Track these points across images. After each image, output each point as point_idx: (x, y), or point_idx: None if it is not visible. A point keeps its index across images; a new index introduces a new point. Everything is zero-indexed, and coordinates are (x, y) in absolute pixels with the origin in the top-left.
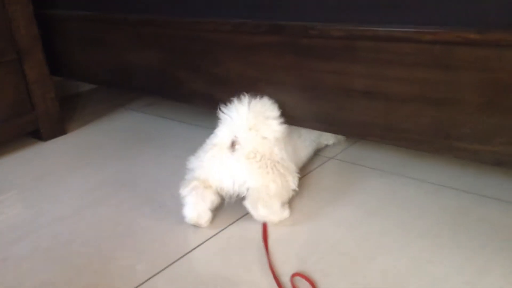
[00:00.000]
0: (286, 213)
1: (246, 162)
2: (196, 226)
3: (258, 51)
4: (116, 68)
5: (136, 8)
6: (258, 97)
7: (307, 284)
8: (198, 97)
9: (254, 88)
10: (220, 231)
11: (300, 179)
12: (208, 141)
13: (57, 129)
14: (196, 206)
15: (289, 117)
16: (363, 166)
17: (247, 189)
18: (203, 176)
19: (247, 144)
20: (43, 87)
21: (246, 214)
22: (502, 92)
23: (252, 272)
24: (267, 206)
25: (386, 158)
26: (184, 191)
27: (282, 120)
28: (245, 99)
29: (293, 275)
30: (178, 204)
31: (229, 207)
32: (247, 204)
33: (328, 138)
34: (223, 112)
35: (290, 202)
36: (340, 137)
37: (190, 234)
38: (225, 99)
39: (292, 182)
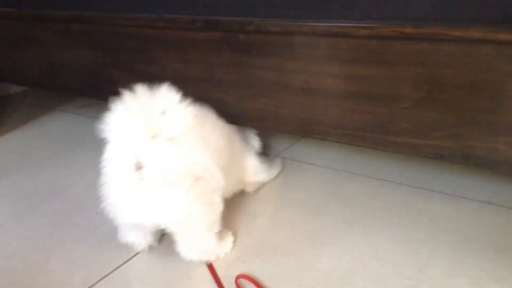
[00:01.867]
0: (227, 244)
1: (158, 190)
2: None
3: (195, 48)
4: (46, 68)
5: (65, 4)
6: (151, 88)
7: (252, 286)
8: None
9: (192, 87)
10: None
11: None
12: (103, 172)
13: None
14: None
15: (231, 117)
16: (308, 163)
17: (165, 223)
18: (122, 218)
19: (156, 164)
20: None
21: None
22: (438, 86)
23: (192, 279)
24: (200, 242)
25: (330, 155)
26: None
27: (192, 107)
28: (131, 97)
29: (238, 277)
30: None
31: None
32: (177, 248)
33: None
34: (106, 124)
35: (232, 200)
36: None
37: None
38: None
39: (219, 204)
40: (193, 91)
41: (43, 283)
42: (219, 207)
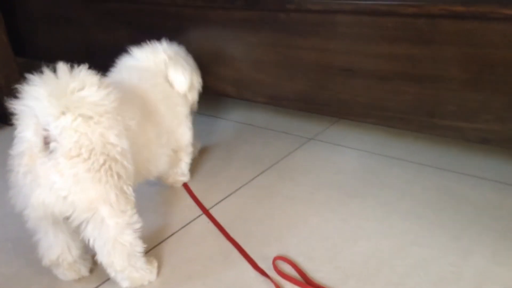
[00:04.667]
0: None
1: (67, 164)
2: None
3: (233, 27)
4: (83, 47)
5: None
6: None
7: (289, 267)
8: None
9: (230, 67)
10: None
11: (277, 162)
12: (12, 153)
13: None
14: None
15: (268, 97)
16: (343, 146)
17: (74, 210)
18: (28, 210)
19: (66, 136)
20: (6, 68)
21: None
22: (488, 67)
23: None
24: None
25: (366, 137)
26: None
27: (108, 85)
28: (43, 75)
29: (275, 258)
30: None
31: (173, 215)
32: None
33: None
34: (17, 102)
35: (270, 182)
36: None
37: (166, 220)
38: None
39: (130, 195)
40: (230, 70)
41: None
42: (131, 198)
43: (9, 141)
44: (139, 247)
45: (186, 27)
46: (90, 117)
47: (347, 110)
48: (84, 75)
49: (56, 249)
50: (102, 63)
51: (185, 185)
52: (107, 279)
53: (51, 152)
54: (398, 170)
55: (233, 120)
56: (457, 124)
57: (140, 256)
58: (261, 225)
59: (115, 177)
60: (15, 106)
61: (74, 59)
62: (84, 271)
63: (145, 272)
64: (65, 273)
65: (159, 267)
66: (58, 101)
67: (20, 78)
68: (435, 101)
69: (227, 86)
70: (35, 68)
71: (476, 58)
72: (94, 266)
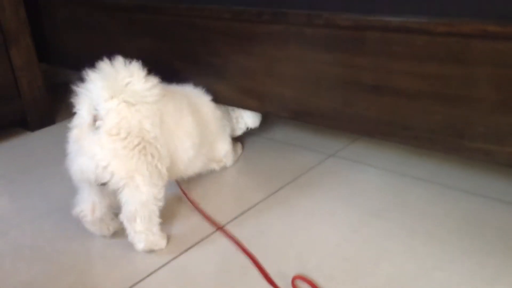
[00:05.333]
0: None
1: (108, 140)
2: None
3: (259, 41)
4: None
5: None
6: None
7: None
8: None
9: (253, 80)
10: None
11: (296, 178)
12: (69, 126)
13: (45, 119)
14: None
15: (291, 112)
16: (365, 164)
17: (111, 176)
18: (73, 174)
19: (110, 117)
20: (30, 74)
21: (204, 239)
22: None
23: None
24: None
25: (388, 156)
26: (75, 214)
27: (155, 81)
28: (101, 64)
29: (295, 278)
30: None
31: (186, 230)
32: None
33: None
34: (78, 86)
35: (289, 198)
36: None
37: (182, 236)
38: (222, 91)
39: (164, 173)
40: (254, 84)
41: (99, 269)
42: (164, 176)
43: (31, 147)
44: (158, 217)
45: (211, 39)
46: (133, 104)
47: (372, 128)
48: (134, 67)
49: (82, 204)
50: None
51: (194, 203)
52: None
53: (96, 128)
54: (421, 191)
55: (252, 134)
56: (487, 147)
57: (157, 224)
58: (280, 242)
59: (149, 156)
60: (78, 88)
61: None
62: (105, 231)
63: (159, 237)
64: (87, 227)
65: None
66: (109, 86)
67: (43, 85)
68: (465, 122)
69: (250, 99)
70: (59, 74)
71: (509, 79)
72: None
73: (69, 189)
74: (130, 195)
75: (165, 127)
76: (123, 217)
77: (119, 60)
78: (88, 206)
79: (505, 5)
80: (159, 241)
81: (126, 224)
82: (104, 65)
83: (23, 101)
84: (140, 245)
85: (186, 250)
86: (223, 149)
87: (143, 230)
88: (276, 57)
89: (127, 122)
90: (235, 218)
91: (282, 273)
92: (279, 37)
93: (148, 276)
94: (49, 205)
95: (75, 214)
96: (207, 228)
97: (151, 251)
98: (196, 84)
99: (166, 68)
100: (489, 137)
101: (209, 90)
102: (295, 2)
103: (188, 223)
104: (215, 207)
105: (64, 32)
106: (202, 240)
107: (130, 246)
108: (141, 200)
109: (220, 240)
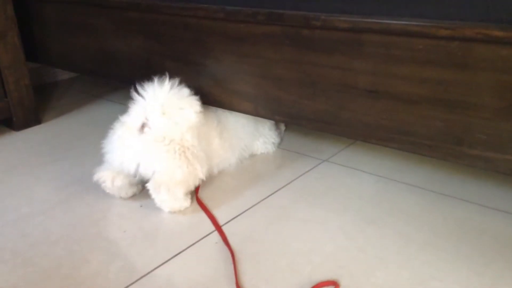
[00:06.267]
0: (187, 202)
1: (153, 144)
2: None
3: (254, 42)
4: (98, 55)
5: None
6: (179, 83)
7: None
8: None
9: (247, 83)
10: (202, 239)
11: (290, 182)
12: (118, 120)
13: (31, 118)
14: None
15: (286, 115)
16: (359, 170)
17: (153, 172)
18: (112, 160)
19: (158, 129)
20: (17, 73)
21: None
22: None
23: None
24: (169, 191)
25: (383, 162)
26: (96, 178)
27: (198, 110)
28: (164, 82)
29: None
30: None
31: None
32: (150, 186)
33: (263, 146)
34: (137, 92)
35: (282, 203)
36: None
37: (175, 238)
38: (215, 94)
39: (200, 171)
40: (248, 86)
41: (83, 273)
42: (200, 174)
43: (15, 147)
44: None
45: (205, 40)
46: (178, 123)
47: (369, 133)
48: (193, 100)
49: (105, 172)
50: (117, 71)
51: (200, 202)
52: None
53: (143, 133)
54: (417, 198)
55: None
56: (487, 154)
57: (180, 189)
58: (272, 249)
59: (187, 158)
60: (137, 93)
61: (87, 67)
62: (124, 194)
63: (182, 200)
64: (107, 190)
65: None
66: (165, 107)
67: (30, 84)
68: (465, 129)
69: (244, 102)
70: (47, 74)
71: (511, 86)
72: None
73: (55, 190)
74: (165, 186)
75: (202, 136)
76: (150, 185)
77: (181, 86)
78: (109, 174)
79: (509, 10)
80: (183, 203)
81: (152, 191)
82: (166, 83)
83: (9, 100)
84: (166, 209)
85: (175, 256)
86: (257, 147)
87: (167, 199)
88: (272, 59)
89: (171, 133)
90: (227, 222)
91: (275, 283)
92: (274, 39)
93: (133, 283)
94: (33, 207)
95: (96, 179)
96: (202, 230)
97: (176, 212)
98: (188, 85)
99: (158, 67)
100: (490, 144)
101: (202, 92)
102: (292, 3)
103: (179, 227)
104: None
105: (53, 30)
106: (197, 241)
107: (116, 251)
108: (170, 187)
109: (212, 248)
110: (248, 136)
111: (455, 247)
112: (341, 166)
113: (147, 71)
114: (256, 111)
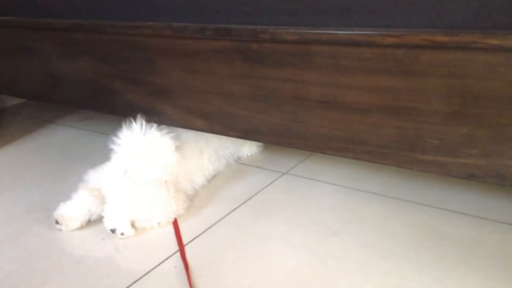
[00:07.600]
0: (130, 231)
1: (138, 186)
2: (61, 225)
3: (203, 58)
4: (45, 80)
5: (65, 12)
6: (151, 124)
7: None
8: (137, 110)
9: (200, 100)
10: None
11: (250, 198)
12: (110, 161)
13: None
14: (74, 206)
15: (241, 131)
16: (319, 181)
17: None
18: (96, 186)
19: (137, 174)
20: None
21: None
22: (472, 99)
23: None
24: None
25: (342, 172)
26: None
27: (175, 151)
28: (137, 128)
29: None
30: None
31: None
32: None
33: (249, 149)
34: (114, 141)
35: (242, 220)
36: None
37: (130, 266)
38: (167, 112)
39: (182, 206)
40: (200, 103)
41: None
42: (188, 193)
43: None
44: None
45: (153, 58)
46: (158, 166)
47: (324, 144)
48: (166, 142)
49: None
50: (66, 95)
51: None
52: None
53: (126, 174)
54: (376, 206)
55: None
56: (440, 159)
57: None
58: (233, 270)
59: (167, 188)
60: (115, 143)
61: (35, 92)
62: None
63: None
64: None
65: None
66: (142, 154)
67: None
68: (417, 135)
69: (197, 120)
70: None
71: (459, 90)
72: None
73: (1, 225)
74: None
75: (181, 165)
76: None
77: (152, 126)
78: (68, 217)
79: (452, 15)
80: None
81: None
82: (137, 129)
83: None
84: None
85: (131, 285)
86: (243, 151)
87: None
88: (223, 75)
89: (149, 177)
90: (187, 244)
91: None
92: (224, 54)
93: None
94: None
95: (55, 216)
96: (159, 255)
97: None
98: (139, 104)
99: (107, 89)
100: (442, 149)
101: (155, 112)
102: (240, 18)
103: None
104: (165, 233)
105: (1, 57)
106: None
107: (68, 285)
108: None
109: (171, 273)
110: (234, 144)
111: (416, 254)
112: (301, 178)
113: (96, 93)
114: (211, 128)
